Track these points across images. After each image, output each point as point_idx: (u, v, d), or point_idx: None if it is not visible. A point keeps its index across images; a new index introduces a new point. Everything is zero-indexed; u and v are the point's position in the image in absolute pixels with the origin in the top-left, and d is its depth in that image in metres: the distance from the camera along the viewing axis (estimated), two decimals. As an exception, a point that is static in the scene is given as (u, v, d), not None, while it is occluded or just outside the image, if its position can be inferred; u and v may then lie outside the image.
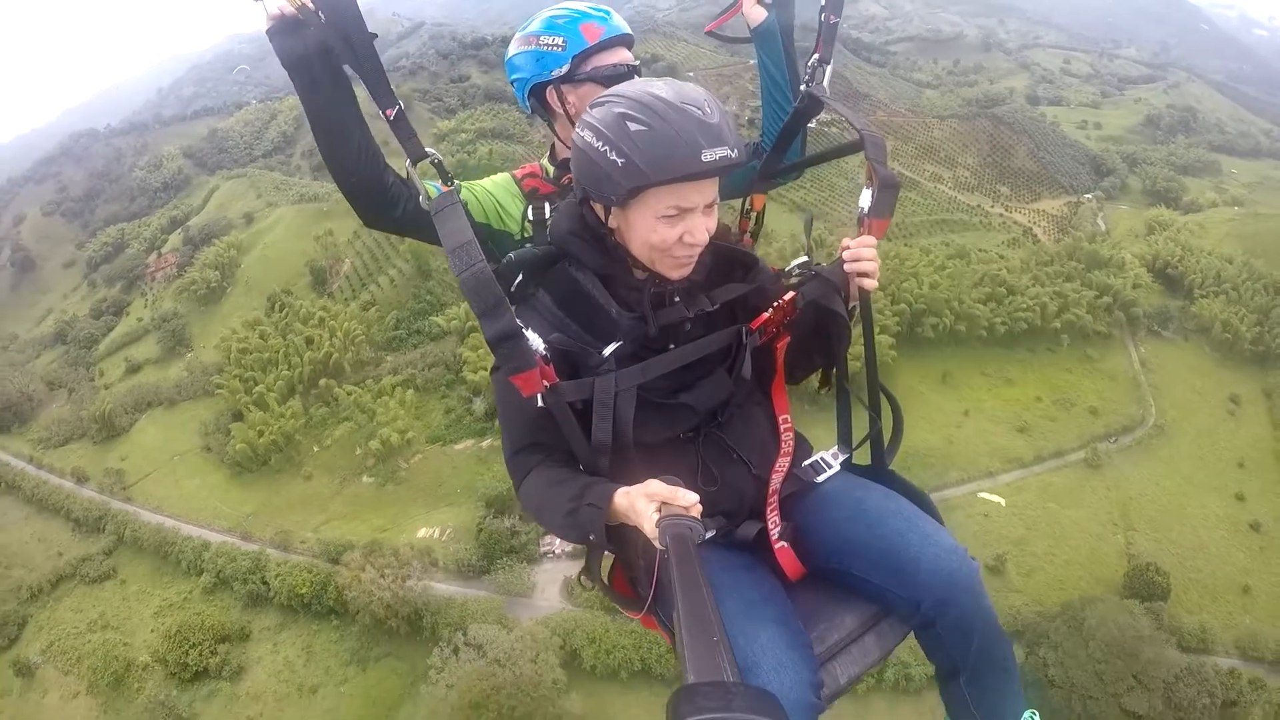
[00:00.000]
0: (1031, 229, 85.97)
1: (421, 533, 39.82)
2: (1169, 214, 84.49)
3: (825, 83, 2.51)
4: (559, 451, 2.09)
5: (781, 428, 2.33)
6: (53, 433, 59.75)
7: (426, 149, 2.08)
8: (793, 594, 2.16)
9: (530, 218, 2.68)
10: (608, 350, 2.03)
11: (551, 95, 2.72)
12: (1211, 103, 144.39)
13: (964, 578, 2.05)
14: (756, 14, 2.80)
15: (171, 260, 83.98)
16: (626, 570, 2.25)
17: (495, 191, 2.75)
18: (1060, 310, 59.45)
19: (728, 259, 2.25)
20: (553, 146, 2.92)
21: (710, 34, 3.11)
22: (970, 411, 51.23)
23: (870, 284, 2.25)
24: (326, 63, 2.05)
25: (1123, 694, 31.05)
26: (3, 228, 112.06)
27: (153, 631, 38.95)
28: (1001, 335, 57.71)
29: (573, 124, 2.55)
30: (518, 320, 1.84)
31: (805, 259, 2.40)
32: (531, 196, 2.73)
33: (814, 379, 2.53)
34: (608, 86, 2.40)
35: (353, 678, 34.77)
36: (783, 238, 60.41)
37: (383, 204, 2.30)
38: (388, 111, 2.02)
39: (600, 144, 1.81)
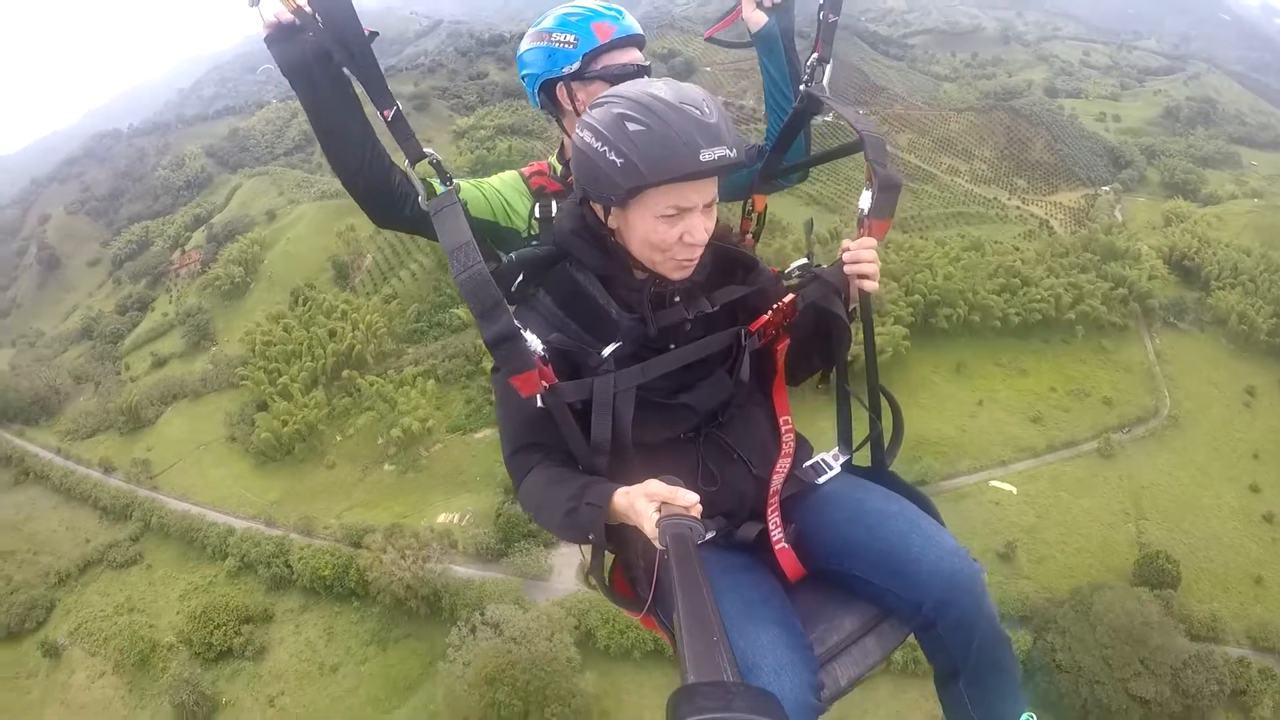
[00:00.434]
0: (1048, 221, 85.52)
1: (441, 518, 40.76)
2: (1187, 206, 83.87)
3: (825, 82, 2.53)
4: (558, 451, 2.10)
5: (782, 429, 2.36)
6: (80, 425, 61.31)
7: (425, 149, 2.09)
8: (793, 595, 2.18)
9: (538, 215, 2.68)
10: (607, 350, 2.04)
11: (561, 92, 2.77)
12: (1232, 94, 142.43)
13: (965, 579, 2.05)
14: (757, 18, 2.81)
15: (195, 257, 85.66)
16: (626, 570, 2.26)
17: (503, 189, 2.77)
18: (1075, 302, 59.42)
19: (728, 260, 2.26)
20: (562, 144, 2.95)
21: (711, 40, 3.10)
22: (984, 401, 51.43)
23: (870, 285, 2.26)
24: (325, 67, 2.06)
25: (1129, 679, 31.16)
26: (28, 227, 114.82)
27: (178, 614, 40.18)
28: (1016, 326, 57.86)
29: None
30: (516, 322, 1.86)
31: (805, 260, 2.42)
32: (539, 194, 2.75)
33: (812, 377, 2.57)
34: (617, 85, 2.62)
35: (373, 657, 35.81)
36: (797, 231, 60.81)
37: (391, 204, 2.34)
38: (385, 113, 2.02)
39: (599, 144, 1.83)
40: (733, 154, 1.82)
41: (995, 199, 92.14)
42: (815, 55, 2.53)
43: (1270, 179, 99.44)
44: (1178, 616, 34.82)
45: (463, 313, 60.10)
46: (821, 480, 2.36)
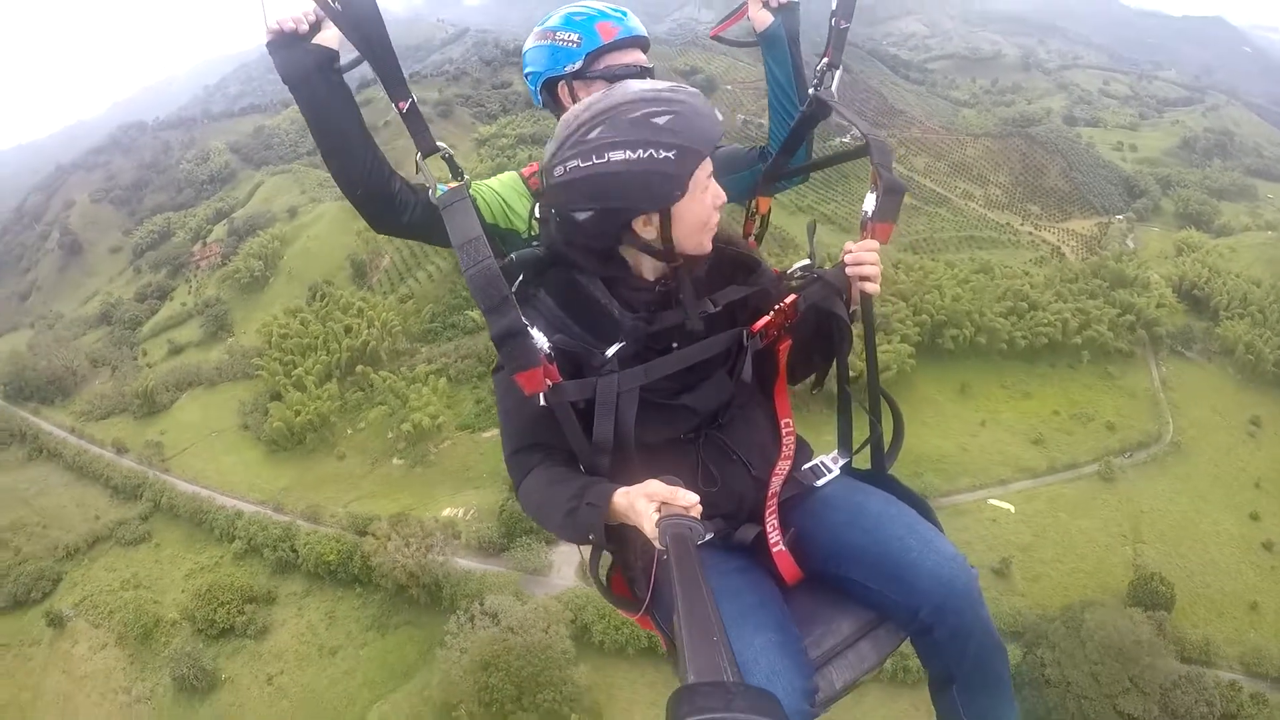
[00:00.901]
0: (1060, 248, 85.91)
1: (446, 511, 41.42)
2: (1199, 236, 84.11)
3: (834, 87, 2.54)
4: (559, 452, 2.10)
5: (783, 430, 2.34)
6: (95, 406, 62.52)
7: (437, 143, 2.10)
8: (789, 597, 2.18)
9: (538, 216, 2.56)
10: (611, 351, 2.04)
11: (563, 90, 2.78)
12: (1250, 126, 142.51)
13: (962, 585, 2.04)
14: (763, 18, 2.80)
15: (216, 250, 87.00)
16: (624, 571, 2.26)
17: (502, 191, 2.76)
18: (1082, 327, 59.83)
19: (730, 261, 2.26)
20: None
21: (716, 38, 3.05)
22: (987, 421, 51.81)
23: (872, 288, 2.26)
24: (326, 75, 2.05)
25: (1118, 695, 31.25)
26: (52, 212, 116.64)
27: (183, 591, 40.98)
28: (1022, 349, 58.25)
29: None
30: (523, 319, 1.87)
31: (807, 262, 2.40)
32: (539, 195, 2.64)
33: (809, 379, 2.58)
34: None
35: (372, 642, 36.45)
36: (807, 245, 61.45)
37: (390, 211, 2.32)
38: (400, 104, 2.03)
39: (640, 152, 1.82)
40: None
41: (1008, 224, 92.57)
42: (825, 60, 2.54)
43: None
44: (1170, 638, 34.82)
45: (476, 315, 60.88)
46: (820, 483, 2.36)
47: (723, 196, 2.04)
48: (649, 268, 2.09)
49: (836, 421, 2.54)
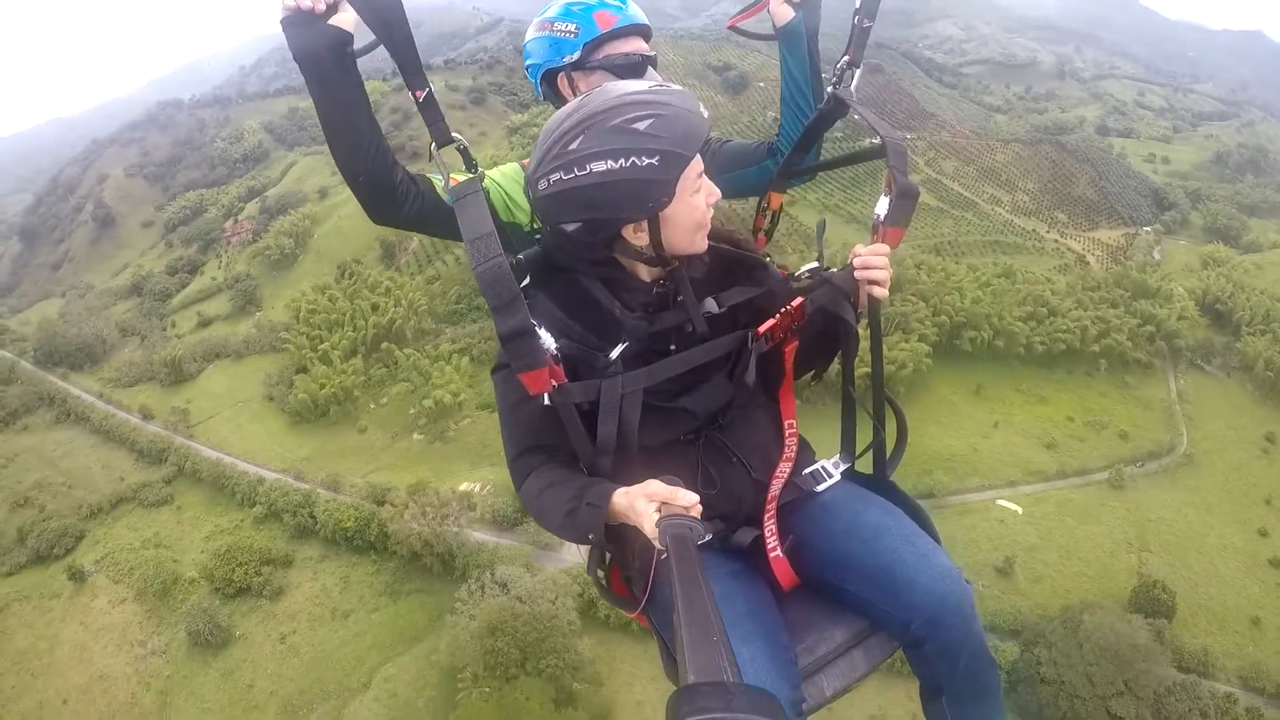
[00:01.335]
0: (1085, 257, 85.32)
1: (463, 486, 42.34)
2: (1226, 251, 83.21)
3: (853, 86, 2.50)
4: (560, 453, 2.12)
5: (786, 432, 2.34)
6: (123, 373, 64.06)
7: (453, 134, 2.10)
8: (784, 602, 2.19)
9: None
10: (615, 353, 2.04)
11: (563, 82, 2.76)
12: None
13: (955, 601, 2.03)
14: (784, 13, 2.74)
15: (247, 226, 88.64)
16: (623, 570, 2.26)
17: (503, 183, 2.70)
18: (1101, 335, 59.69)
19: (734, 262, 2.25)
20: None
21: (733, 29, 3.01)
22: (1000, 424, 51.97)
23: (880, 292, 2.24)
24: (339, 58, 2.03)
25: (1111, 697, 31.49)
26: (86, 185, 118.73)
27: (202, 552, 42.19)
28: (1039, 354, 58.30)
29: None
30: (531, 319, 1.86)
31: (815, 264, 2.39)
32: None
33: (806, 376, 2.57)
34: (620, 75, 2.63)
35: (384, 607, 37.57)
36: (835, 244, 61.89)
37: (391, 202, 2.30)
38: (417, 93, 2.03)
39: (621, 161, 1.80)
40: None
41: (1034, 231, 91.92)
42: (846, 58, 2.50)
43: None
44: (1169, 646, 34.83)
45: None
46: (820, 488, 2.35)
47: (716, 194, 2.04)
48: (644, 270, 2.10)
49: (841, 425, 2.56)
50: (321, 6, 2.00)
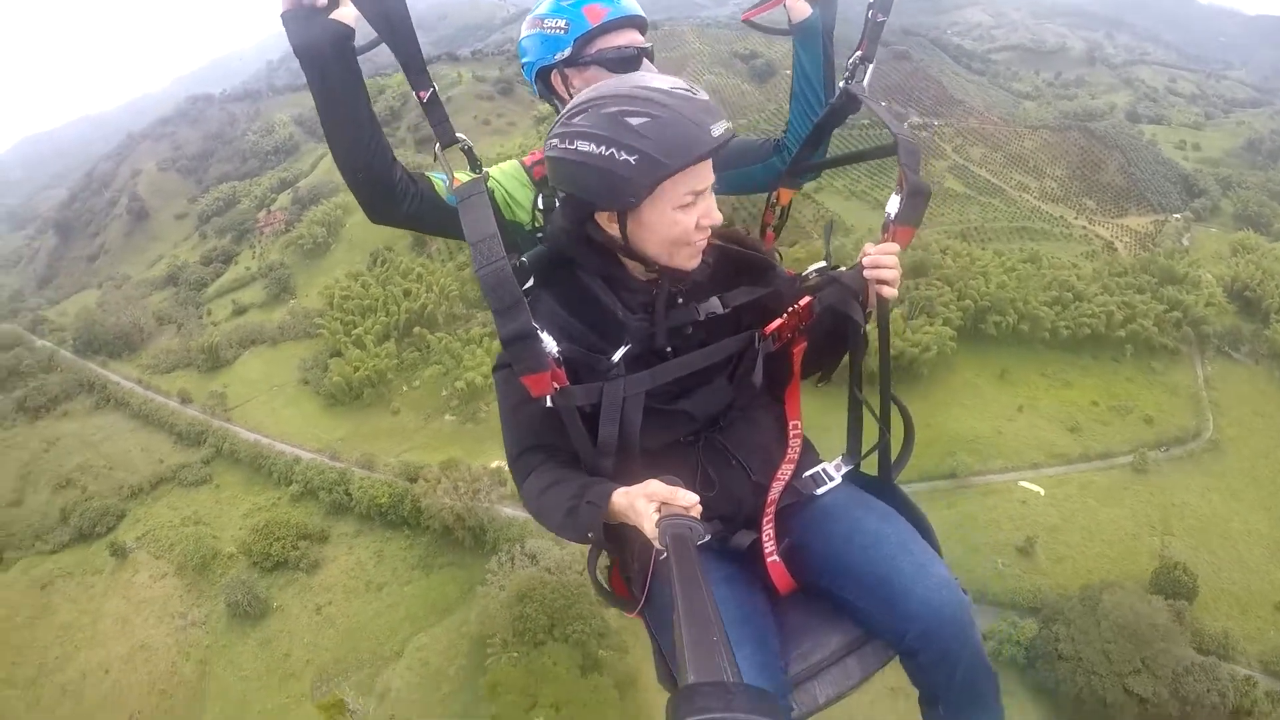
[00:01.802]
0: (1113, 243, 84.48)
1: (495, 464, 43.18)
2: (1256, 238, 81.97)
3: (865, 81, 2.48)
4: (561, 452, 2.10)
5: (790, 433, 2.32)
6: (160, 360, 65.61)
7: (457, 134, 2.08)
8: (781, 607, 2.19)
9: (541, 206, 2.58)
10: (617, 355, 2.03)
11: (556, 79, 2.72)
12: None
13: (951, 612, 2.02)
14: (801, 8, 2.72)
15: (280, 217, 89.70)
16: (622, 570, 2.27)
17: (504, 181, 2.64)
18: (1127, 320, 59.37)
19: (739, 262, 2.24)
20: None
21: (747, 22, 2.91)
22: (1024, 407, 51.90)
23: (889, 292, 2.20)
24: (340, 53, 1.99)
25: (1128, 675, 31.48)
26: (121, 179, 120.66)
27: (240, 529, 43.54)
28: (1065, 339, 58.14)
29: None
30: (534, 322, 1.85)
31: (823, 264, 2.36)
32: (542, 184, 2.60)
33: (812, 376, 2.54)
34: (614, 70, 2.59)
35: (416, 580, 38.67)
36: (860, 230, 62.40)
37: (389, 200, 2.26)
38: (421, 93, 2.01)
39: (603, 148, 1.79)
40: (731, 125, 1.86)
41: (1061, 217, 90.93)
42: (859, 54, 2.48)
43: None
44: (1188, 627, 34.75)
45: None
46: (820, 491, 2.34)
47: (714, 218, 1.99)
48: (637, 268, 2.08)
49: (847, 425, 2.52)
50: (322, 1, 1.99)
